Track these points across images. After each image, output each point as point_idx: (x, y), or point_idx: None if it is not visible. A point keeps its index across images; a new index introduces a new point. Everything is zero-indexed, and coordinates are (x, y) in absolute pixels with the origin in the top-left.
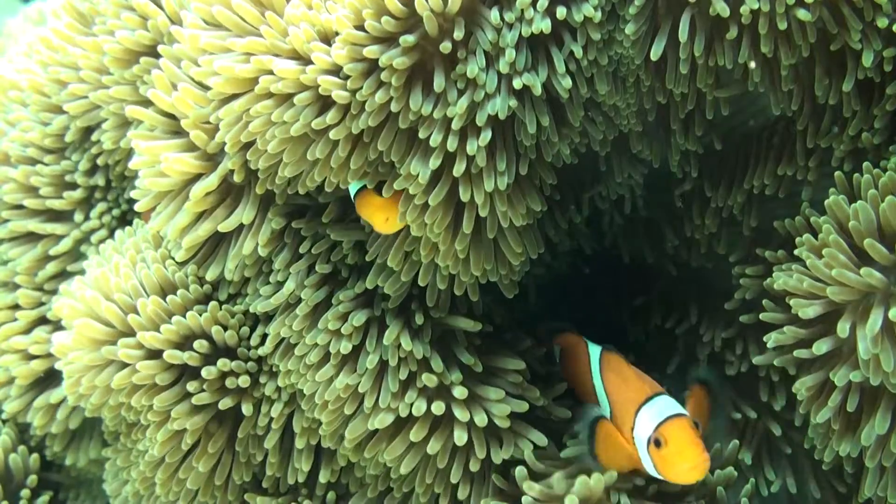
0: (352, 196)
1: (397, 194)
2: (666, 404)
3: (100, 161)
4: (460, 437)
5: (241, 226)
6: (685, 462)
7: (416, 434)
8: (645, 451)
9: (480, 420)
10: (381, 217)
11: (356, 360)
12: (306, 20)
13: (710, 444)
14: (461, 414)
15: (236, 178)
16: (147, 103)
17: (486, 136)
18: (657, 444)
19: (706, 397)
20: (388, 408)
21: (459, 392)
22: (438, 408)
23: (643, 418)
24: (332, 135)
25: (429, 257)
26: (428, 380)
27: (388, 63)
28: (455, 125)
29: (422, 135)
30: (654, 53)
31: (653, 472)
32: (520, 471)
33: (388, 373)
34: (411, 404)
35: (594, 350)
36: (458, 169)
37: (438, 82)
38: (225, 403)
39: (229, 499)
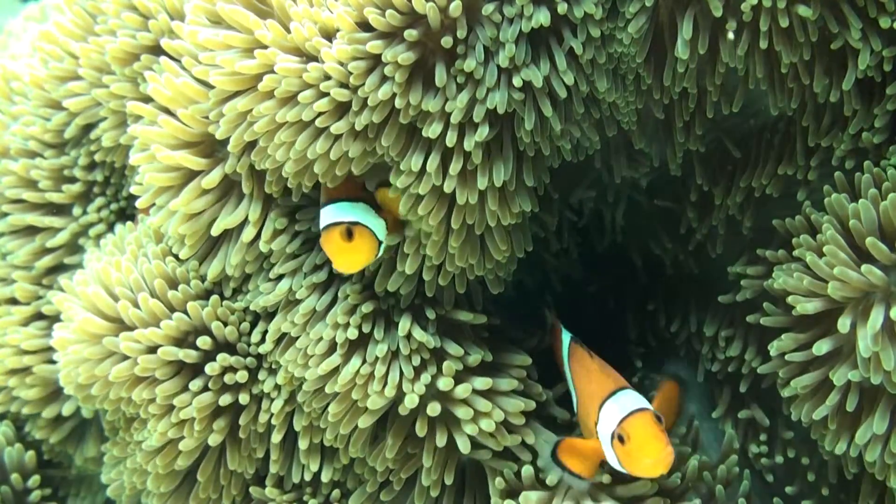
0: (320, 227)
1: (363, 238)
2: (629, 399)
3: (97, 158)
4: (473, 429)
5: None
6: (648, 457)
7: (420, 428)
8: (609, 446)
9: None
10: (342, 259)
11: (364, 350)
12: (308, 17)
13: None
14: (482, 405)
15: (245, 188)
16: (147, 100)
17: (484, 131)
18: (620, 439)
19: (677, 392)
20: (405, 390)
21: (481, 383)
22: (465, 390)
23: (606, 413)
24: (333, 129)
25: (412, 247)
26: (448, 369)
27: (393, 59)
28: (454, 120)
29: (424, 132)
30: (680, 51)
31: (617, 467)
32: (526, 469)
33: (401, 360)
34: (427, 385)
35: (565, 338)
36: (455, 167)
37: (440, 77)
38: (225, 399)
39: (233, 492)
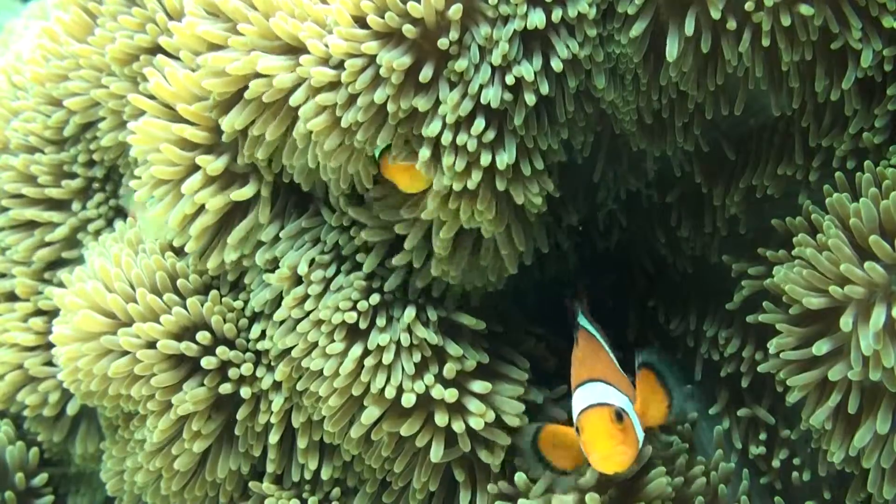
0: (376, 158)
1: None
2: (593, 392)
3: (97, 155)
4: (478, 423)
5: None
6: (596, 451)
7: (413, 424)
8: (577, 435)
9: (489, 418)
10: (405, 177)
11: (366, 340)
12: (299, 6)
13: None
14: (476, 407)
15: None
16: (149, 98)
17: (480, 124)
18: (577, 431)
19: (655, 380)
20: (405, 389)
21: (481, 387)
22: (452, 395)
23: (574, 403)
24: (327, 145)
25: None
26: (449, 371)
27: (388, 65)
28: (450, 121)
29: (416, 131)
30: (668, 54)
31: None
32: (519, 476)
33: (402, 356)
34: (428, 387)
35: (577, 325)
36: (447, 161)
37: (433, 78)
38: (225, 388)
39: (228, 488)
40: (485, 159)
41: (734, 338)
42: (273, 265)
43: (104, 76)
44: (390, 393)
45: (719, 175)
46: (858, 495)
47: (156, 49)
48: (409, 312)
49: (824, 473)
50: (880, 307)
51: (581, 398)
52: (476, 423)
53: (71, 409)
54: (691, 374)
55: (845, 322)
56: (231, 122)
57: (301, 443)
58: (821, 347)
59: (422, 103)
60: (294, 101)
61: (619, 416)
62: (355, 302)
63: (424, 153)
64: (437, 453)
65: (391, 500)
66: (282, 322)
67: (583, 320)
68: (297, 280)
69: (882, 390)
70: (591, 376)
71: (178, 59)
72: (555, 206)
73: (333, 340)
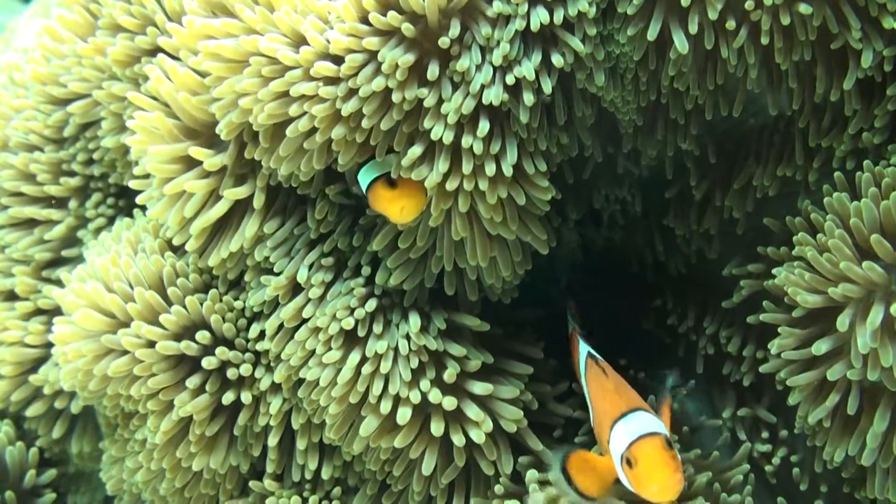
0: (363, 191)
1: (408, 183)
2: (640, 422)
3: (96, 155)
4: (479, 437)
5: (241, 216)
6: (654, 484)
7: (409, 433)
8: (619, 467)
9: (487, 427)
10: (395, 208)
11: (364, 347)
12: (302, 2)
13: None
14: (475, 414)
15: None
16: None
17: (485, 127)
18: (629, 463)
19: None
20: (401, 398)
21: (482, 388)
22: (451, 403)
23: (618, 434)
24: (334, 133)
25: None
26: (450, 376)
27: (392, 62)
28: (451, 121)
29: (433, 135)
30: (682, 47)
31: (629, 487)
32: (531, 473)
33: (400, 363)
34: (424, 393)
35: (582, 352)
36: (444, 165)
37: (435, 76)
38: (227, 398)
39: (228, 487)
40: (489, 167)
41: (735, 336)
42: (270, 263)
43: (105, 77)
44: (387, 404)
45: (719, 175)
46: (860, 494)
47: (156, 51)
48: (415, 322)
49: (821, 470)
50: (878, 306)
51: (627, 429)
52: (477, 437)
53: (74, 407)
54: (693, 371)
55: (842, 322)
56: (226, 96)
57: (300, 444)
58: (820, 347)
59: (427, 100)
60: (290, 75)
61: (670, 443)
62: (353, 309)
63: (416, 150)
64: (429, 465)
65: (391, 502)
66: (279, 328)
67: (584, 346)
68: (295, 290)
69: (882, 390)
70: (630, 406)
71: (178, 59)
72: (557, 205)
73: (331, 348)
